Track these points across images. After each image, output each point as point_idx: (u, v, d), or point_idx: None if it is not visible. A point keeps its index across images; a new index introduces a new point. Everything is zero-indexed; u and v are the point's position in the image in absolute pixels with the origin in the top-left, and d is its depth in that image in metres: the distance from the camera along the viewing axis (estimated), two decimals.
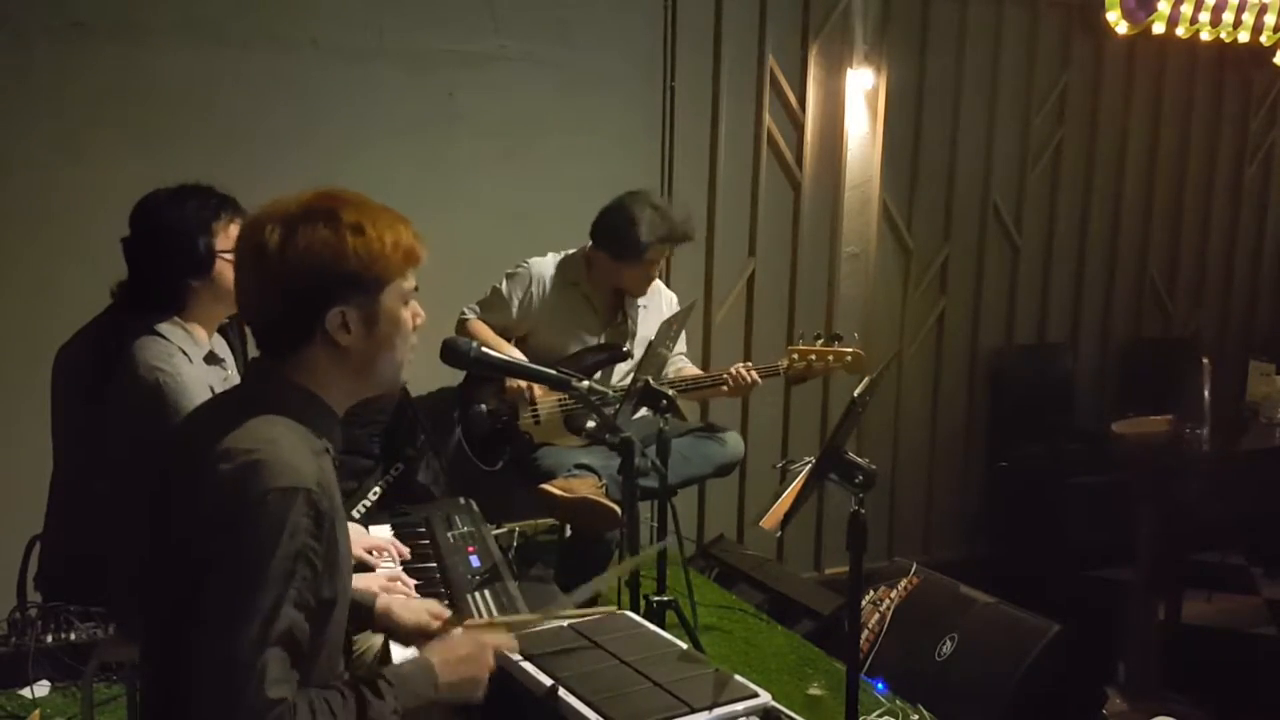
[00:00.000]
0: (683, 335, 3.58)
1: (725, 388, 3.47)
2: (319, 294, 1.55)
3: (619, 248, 3.39)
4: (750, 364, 3.51)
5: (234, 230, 2.38)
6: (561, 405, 3.42)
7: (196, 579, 1.45)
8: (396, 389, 1.72)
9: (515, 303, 3.50)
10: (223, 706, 1.41)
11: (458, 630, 1.83)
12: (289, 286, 1.55)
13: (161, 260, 2.36)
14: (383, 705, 1.53)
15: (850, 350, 3.57)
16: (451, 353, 2.28)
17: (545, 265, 3.55)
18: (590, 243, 3.52)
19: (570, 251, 3.58)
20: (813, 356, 3.54)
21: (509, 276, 3.54)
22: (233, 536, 1.45)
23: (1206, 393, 3.78)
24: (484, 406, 3.41)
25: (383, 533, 2.67)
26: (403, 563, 2.50)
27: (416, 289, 1.66)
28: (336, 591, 1.58)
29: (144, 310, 2.38)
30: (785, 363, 3.55)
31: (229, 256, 2.35)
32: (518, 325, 3.52)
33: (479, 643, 1.71)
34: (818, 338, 3.59)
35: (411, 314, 1.66)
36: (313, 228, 1.54)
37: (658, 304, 3.68)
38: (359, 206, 1.59)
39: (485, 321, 3.51)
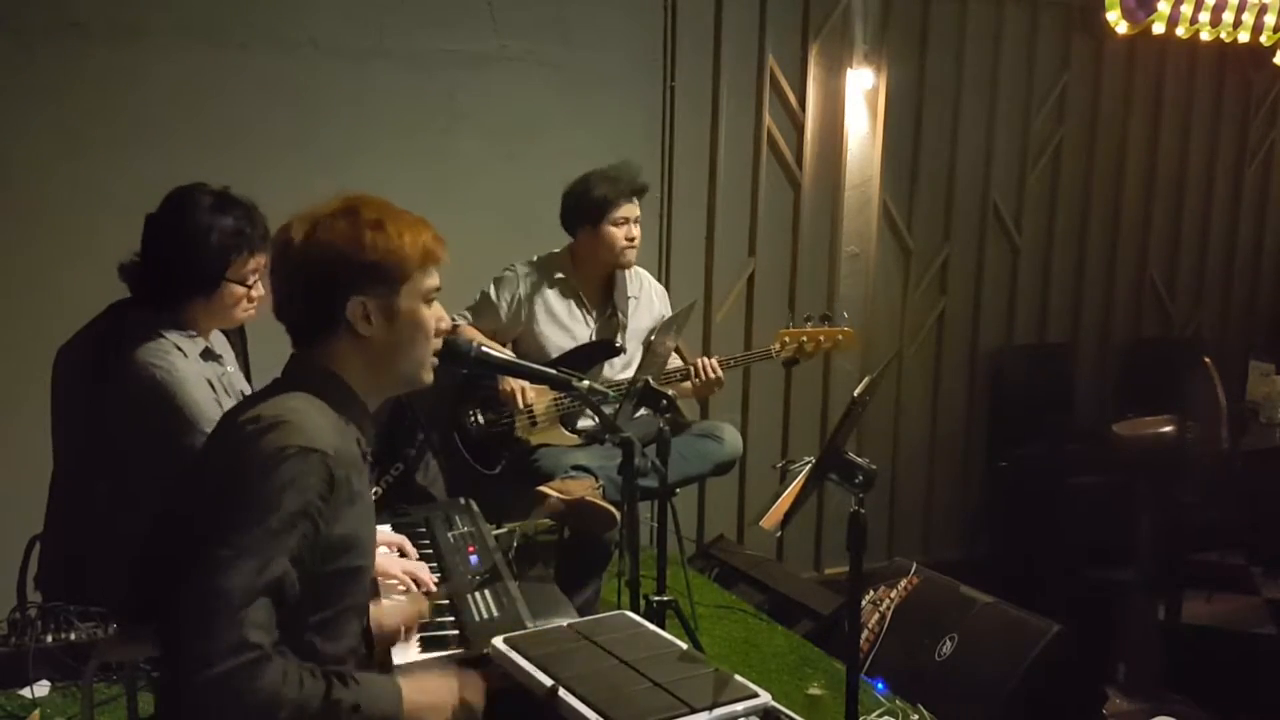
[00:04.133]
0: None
1: (691, 383, 3.47)
2: (338, 283, 1.64)
3: (588, 212, 3.44)
4: (717, 357, 3.51)
5: (252, 264, 2.39)
6: (557, 404, 3.42)
7: (203, 526, 1.52)
8: (419, 386, 1.78)
9: (504, 306, 3.51)
10: (203, 638, 1.46)
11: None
12: (310, 276, 1.65)
13: (174, 266, 2.36)
14: (346, 693, 1.55)
15: (840, 330, 3.62)
16: (451, 353, 2.27)
17: (532, 267, 3.56)
18: (570, 239, 3.53)
19: (554, 251, 3.59)
20: (803, 338, 3.59)
21: (496, 281, 3.55)
22: (243, 483, 1.53)
23: (1221, 392, 3.79)
24: (479, 414, 3.42)
25: (382, 531, 2.66)
26: None
27: (439, 289, 1.73)
28: (357, 562, 1.65)
29: (143, 304, 2.38)
30: (777, 345, 3.58)
31: (238, 285, 2.38)
32: (508, 328, 3.52)
33: (450, 687, 1.72)
34: (808, 319, 3.63)
35: (435, 316, 1.74)
36: (333, 222, 1.65)
37: (648, 295, 3.69)
38: (380, 207, 1.69)
39: (476, 328, 3.51)
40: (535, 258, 3.59)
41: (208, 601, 1.46)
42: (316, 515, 1.55)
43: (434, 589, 2.35)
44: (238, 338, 2.68)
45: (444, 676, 1.74)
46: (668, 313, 3.71)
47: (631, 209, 3.47)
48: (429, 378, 1.76)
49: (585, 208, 3.45)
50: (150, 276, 2.39)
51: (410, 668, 1.94)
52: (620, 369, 3.56)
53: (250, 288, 2.42)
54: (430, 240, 1.70)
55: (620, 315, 3.59)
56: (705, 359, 3.48)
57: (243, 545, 1.48)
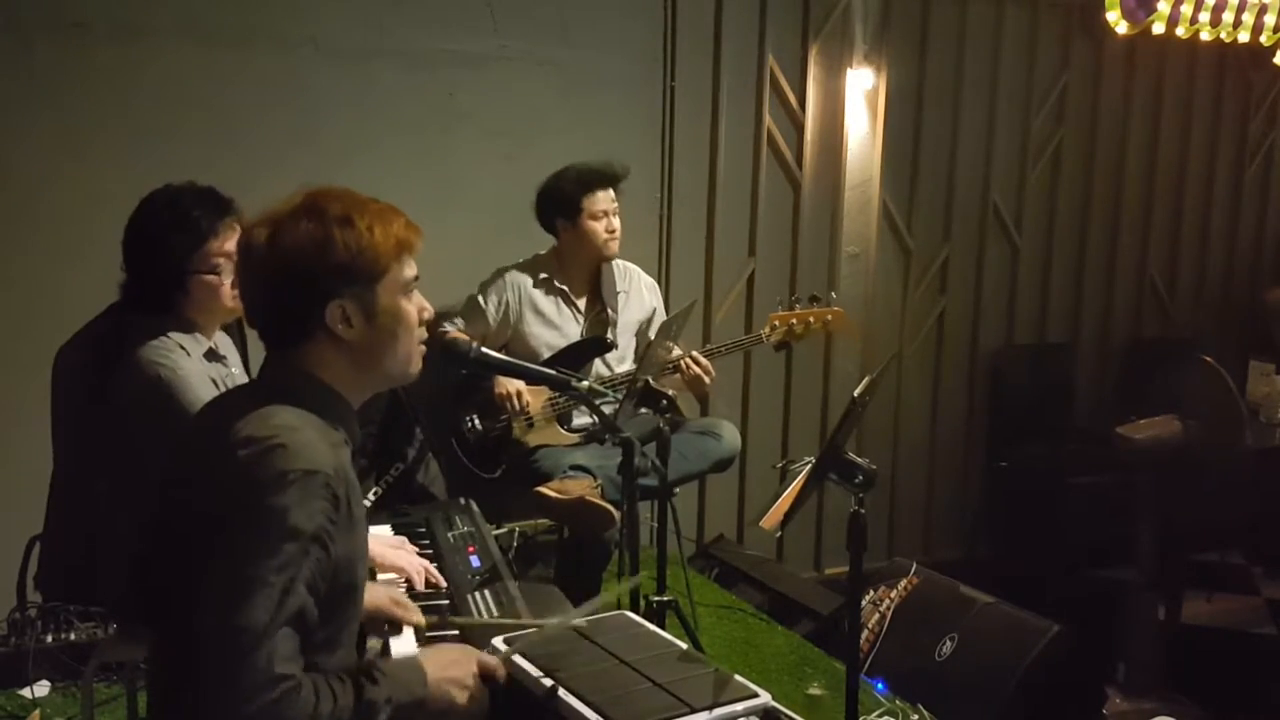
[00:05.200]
0: None
1: (681, 376, 3.46)
2: (312, 288, 1.57)
3: (562, 207, 3.45)
4: (699, 351, 3.49)
5: (214, 245, 2.37)
6: (552, 404, 3.43)
7: (210, 557, 1.47)
8: (408, 381, 1.73)
9: (492, 310, 3.52)
10: (230, 677, 1.42)
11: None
12: (280, 283, 1.58)
13: (145, 273, 2.38)
14: (377, 691, 1.54)
15: (829, 310, 3.61)
16: (451, 354, 2.28)
17: (518, 269, 3.56)
18: (554, 242, 3.53)
19: (540, 252, 3.59)
20: (793, 320, 3.58)
21: (484, 286, 3.56)
22: (251, 515, 1.47)
23: (1238, 392, 3.82)
24: (475, 418, 3.42)
25: (383, 533, 2.66)
26: None
27: (418, 279, 1.66)
28: (355, 577, 1.62)
29: (140, 310, 2.38)
30: (767, 329, 3.58)
31: (206, 275, 2.36)
32: (498, 332, 3.53)
33: (466, 651, 1.72)
34: (796, 301, 3.63)
35: (417, 307, 1.67)
36: (298, 223, 1.57)
37: (637, 289, 3.69)
38: (345, 200, 1.61)
39: (466, 334, 3.51)
40: (521, 260, 3.59)
41: (232, 641, 1.42)
42: (326, 539, 1.50)
43: (440, 582, 2.35)
44: (236, 336, 2.68)
45: (461, 648, 1.74)
46: (659, 304, 3.72)
47: (606, 198, 3.47)
48: (416, 370, 1.70)
49: (558, 203, 3.47)
50: (134, 287, 2.39)
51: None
52: (614, 364, 3.56)
53: (220, 273, 2.39)
54: (403, 229, 1.62)
55: (610, 311, 3.59)
56: (691, 355, 3.46)
57: (260, 578, 1.44)
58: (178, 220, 2.36)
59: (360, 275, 1.58)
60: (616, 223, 3.49)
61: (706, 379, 3.46)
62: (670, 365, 3.46)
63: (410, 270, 1.65)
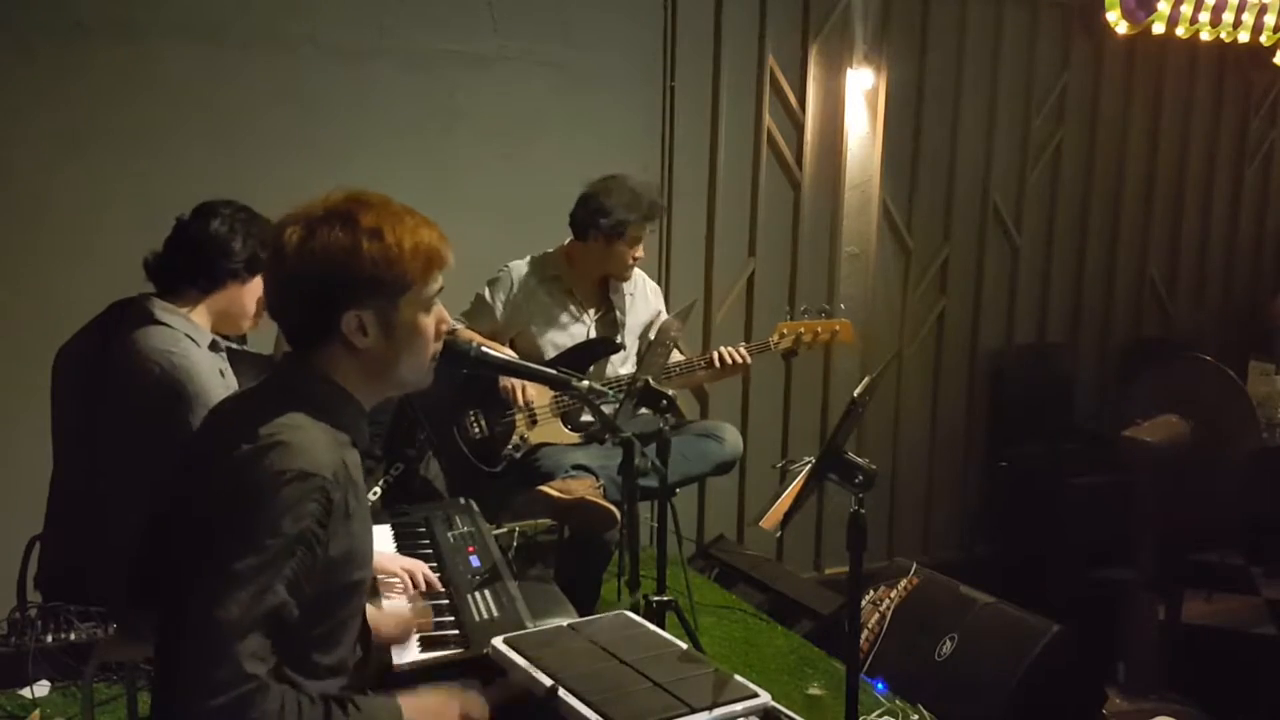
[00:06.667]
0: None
1: (715, 368, 3.49)
2: (332, 296, 1.57)
3: (604, 228, 3.42)
4: (739, 346, 3.54)
5: None
6: (557, 404, 3.43)
7: (202, 550, 1.48)
8: (419, 388, 1.73)
9: (500, 306, 3.51)
10: (200, 669, 1.43)
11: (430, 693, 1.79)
12: (303, 288, 1.57)
13: (221, 246, 2.38)
14: None
15: (837, 322, 3.66)
16: (451, 353, 2.27)
17: (527, 266, 3.56)
18: (571, 237, 3.53)
19: (548, 250, 3.59)
20: (801, 330, 3.62)
21: (491, 282, 3.55)
22: (241, 510, 1.48)
23: (1247, 390, 3.83)
24: (479, 413, 3.42)
25: (383, 532, 2.66)
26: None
27: (442, 289, 1.66)
28: (355, 576, 1.61)
29: (169, 280, 2.39)
30: (775, 337, 3.61)
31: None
32: (505, 328, 3.52)
33: (450, 698, 1.71)
34: (804, 311, 3.66)
35: (436, 319, 1.67)
36: (329, 230, 1.55)
37: (643, 291, 3.69)
38: (380, 210, 1.59)
39: (473, 329, 3.51)
40: (529, 257, 3.59)
41: (205, 633, 1.44)
42: (314, 541, 1.50)
43: (436, 586, 2.35)
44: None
45: (446, 694, 1.72)
46: (662, 308, 3.72)
47: (644, 231, 3.48)
48: (428, 380, 1.71)
49: (605, 219, 3.42)
50: (184, 258, 2.39)
51: (410, 668, 1.94)
52: (619, 365, 3.56)
53: None
54: (433, 244, 1.61)
55: (618, 312, 3.59)
56: (725, 347, 3.49)
57: (240, 574, 1.44)
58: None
59: (383, 289, 1.58)
60: (643, 252, 3.51)
61: (744, 371, 3.54)
62: (702, 361, 3.49)
63: (436, 285, 1.64)
